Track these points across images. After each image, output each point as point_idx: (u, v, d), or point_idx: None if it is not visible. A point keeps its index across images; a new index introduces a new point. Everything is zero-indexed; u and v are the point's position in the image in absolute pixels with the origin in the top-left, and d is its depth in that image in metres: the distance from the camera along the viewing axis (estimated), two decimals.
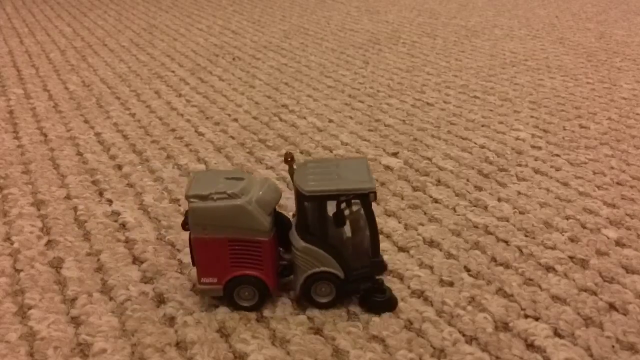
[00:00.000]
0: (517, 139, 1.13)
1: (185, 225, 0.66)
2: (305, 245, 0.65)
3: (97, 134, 1.17)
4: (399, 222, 0.84)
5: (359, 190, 0.63)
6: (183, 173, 1.00)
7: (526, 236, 0.81)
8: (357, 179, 0.64)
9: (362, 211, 0.65)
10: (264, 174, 0.99)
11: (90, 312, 0.67)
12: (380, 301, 0.67)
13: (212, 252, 0.65)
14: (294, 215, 0.69)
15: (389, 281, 0.72)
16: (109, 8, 2.59)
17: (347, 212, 0.65)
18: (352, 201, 0.65)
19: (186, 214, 0.66)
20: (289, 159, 0.67)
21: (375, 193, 0.63)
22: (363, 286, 0.67)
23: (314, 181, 0.64)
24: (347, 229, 0.67)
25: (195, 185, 0.65)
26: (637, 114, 1.25)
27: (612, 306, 0.68)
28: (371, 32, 2.07)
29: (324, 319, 0.66)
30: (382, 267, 0.71)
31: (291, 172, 0.67)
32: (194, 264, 0.67)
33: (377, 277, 0.67)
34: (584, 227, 0.83)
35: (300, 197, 0.64)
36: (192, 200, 0.64)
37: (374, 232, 0.65)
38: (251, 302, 0.67)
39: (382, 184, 0.96)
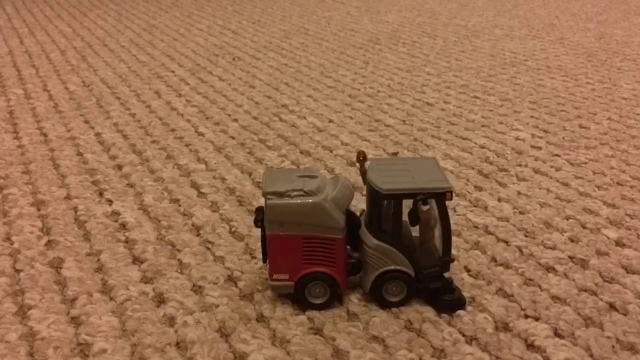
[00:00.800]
0: (517, 139, 1.13)
1: (258, 222, 0.66)
2: (378, 243, 0.66)
3: (97, 134, 1.17)
4: None
5: (437, 189, 0.64)
6: (183, 173, 1.00)
7: (526, 236, 0.81)
8: (432, 178, 0.66)
9: (431, 211, 0.66)
10: None
11: (90, 312, 0.67)
12: (450, 300, 0.67)
13: (286, 249, 0.65)
14: (361, 214, 0.70)
15: None
16: (109, 8, 2.59)
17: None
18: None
19: (257, 211, 0.67)
20: (361, 157, 0.67)
21: (452, 192, 0.64)
22: (432, 285, 0.67)
23: (390, 180, 0.65)
24: (416, 228, 0.68)
25: (271, 183, 0.65)
26: (637, 114, 1.25)
27: (612, 306, 0.68)
28: (371, 32, 2.07)
29: (324, 319, 0.66)
30: (449, 266, 0.70)
31: (363, 171, 0.68)
32: (265, 261, 0.68)
33: (446, 277, 0.68)
34: (584, 227, 0.83)
35: (376, 195, 0.65)
36: (269, 197, 0.64)
37: (448, 231, 0.66)
38: (322, 299, 0.67)
39: None
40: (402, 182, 0.64)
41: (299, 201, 0.64)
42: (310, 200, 0.64)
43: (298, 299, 0.67)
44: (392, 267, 0.66)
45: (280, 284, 0.67)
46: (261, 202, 0.90)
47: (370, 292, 0.67)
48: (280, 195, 0.64)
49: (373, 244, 0.66)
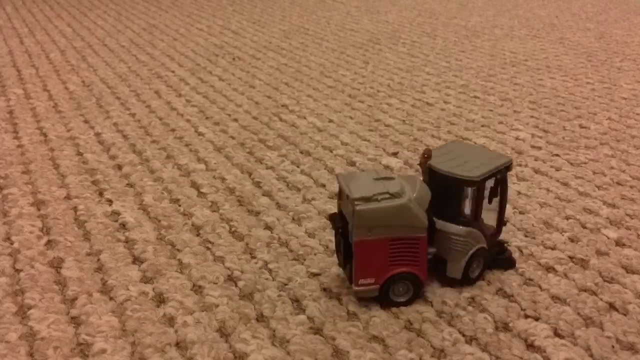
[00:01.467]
0: (517, 139, 1.13)
1: (339, 230, 0.67)
2: (469, 229, 0.68)
3: (97, 134, 1.17)
4: None
5: (507, 163, 0.70)
6: (183, 173, 1.00)
7: (526, 236, 0.81)
8: (491, 156, 0.72)
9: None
10: (264, 174, 0.99)
11: (90, 312, 0.67)
12: (504, 258, 0.73)
13: (373, 253, 0.65)
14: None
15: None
16: (109, 8, 2.59)
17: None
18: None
19: (333, 219, 0.68)
20: (426, 155, 0.69)
21: (512, 162, 0.71)
22: (492, 251, 0.72)
23: (465, 168, 0.68)
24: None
25: (354, 188, 0.65)
26: (637, 114, 1.25)
27: (612, 306, 0.68)
28: (371, 32, 2.07)
29: (323, 319, 0.66)
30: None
31: (425, 167, 0.70)
32: (344, 267, 0.68)
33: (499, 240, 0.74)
34: (584, 227, 0.83)
35: (460, 183, 0.68)
36: (357, 203, 0.64)
37: (505, 198, 0.72)
38: (405, 297, 0.68)
39: None
40: (478, 167, 0.68)
41: (387, 204, 0.64)
42: (398, 203, 0.64)
43: (381, 300, 0.68)
44: (477, 247, 0.69)
45: (366, 289, 0.67)
46: (261, 202, 0.90)
47: (462, 277, 0.69)
48: (367, 200, 0.64)
49: (463, 231, 0.68)
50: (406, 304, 0.68)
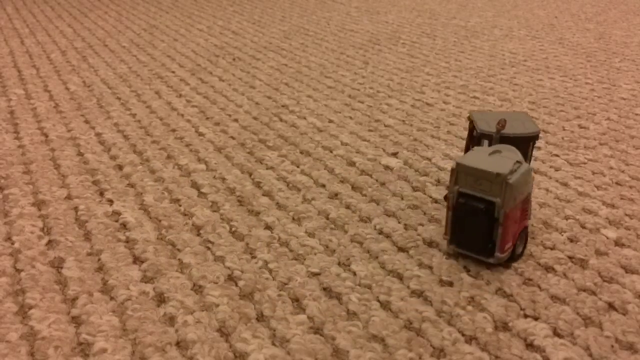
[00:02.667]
0: None
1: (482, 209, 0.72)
2: None
3: (98, 134, 1.17)
4: (399, 222, 0.85)
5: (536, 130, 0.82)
6: (183, 173, 1.00)
7: None
8: (520, 118, 0.85)
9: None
10: (264, 174, 0.99)
11: (90, 311, 0.67)
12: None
13: (514, 219, 0.73)
14: None
15: (389, 281, 0.72)
16: (110, 9, 2.59)
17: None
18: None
19: (446, 196, 0.77)
20: (500, 125, 0.79)
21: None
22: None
23: (523, 128, 0.81)
24: None
25: (493, 164, 0.72)
26: (636, 114, 1.26)
27: (611, 306, 0.68)
28: (371, 32, 2.07)
29: (323, 318, 0.66)
30: None
31: (498, 134, 0.80)
32: (451, 242, 0.76)
33: None
34: (583, 227, 0.83)
35: (533, 139, 0.81)
36: (509, 177, 0.70)
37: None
38: (520, 249, 0.76)
39: (382, 184, 0.96)
40: (526, 125, 0.82)
41: (522, 172, 0.71)
42: (526, 169, 0.72)
43: (511, 260, 0.75)
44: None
45: (507, 254, 0.74)
46: (262, 202, 0.90)
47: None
48: (512, 172, 0.71)
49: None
50: (520, 256, 0.76)
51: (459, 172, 0.73)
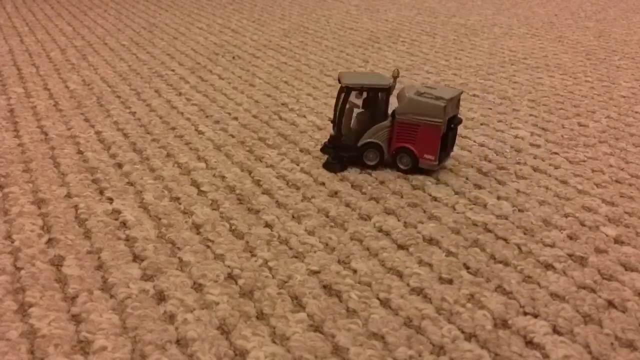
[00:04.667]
0: (516, 137, 1.13)
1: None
2: None
3: (98, 133, 1.17)
4: (399, 220, 0.85)
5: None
6: (183, 171, 1.00)
7: (525, 234, 0.81)
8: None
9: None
10: (264, 172, 0.99)
11: (90, 309, 0.67)
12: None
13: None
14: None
15: (389, 279, 0.72)
16: (109, 7, 2.59)
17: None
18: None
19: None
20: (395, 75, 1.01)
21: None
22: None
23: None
24: None
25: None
26: (636, 112, 1.26)
27: (611, 303, 0.68)
28: (371, 30, 2.07)
29: (323, 316, 0.66)
30: None
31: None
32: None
33: None
34: (582, 224, 0.83)
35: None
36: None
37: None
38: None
39: (382, 182, 0.96)
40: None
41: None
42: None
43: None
44: None
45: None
46: (261, 201, 0.90)
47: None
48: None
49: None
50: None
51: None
